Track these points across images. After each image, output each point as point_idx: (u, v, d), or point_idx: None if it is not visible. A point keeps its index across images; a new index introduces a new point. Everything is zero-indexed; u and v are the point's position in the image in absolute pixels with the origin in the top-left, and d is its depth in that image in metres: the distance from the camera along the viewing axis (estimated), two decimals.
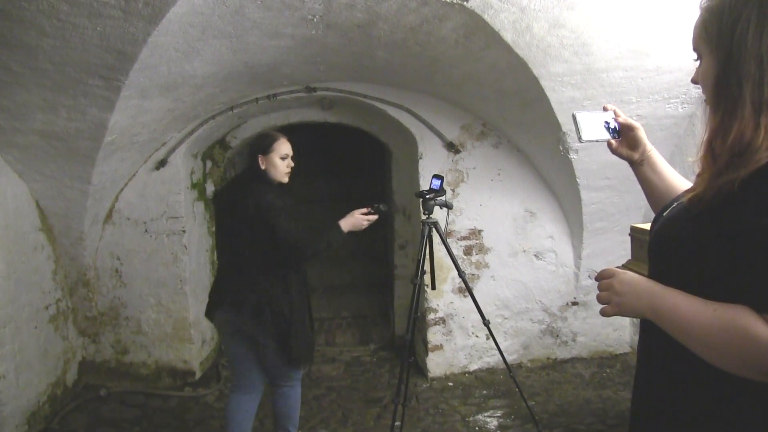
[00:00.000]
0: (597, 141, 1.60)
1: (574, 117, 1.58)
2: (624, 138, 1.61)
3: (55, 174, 3.76)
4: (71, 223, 4.09)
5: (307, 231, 3.01)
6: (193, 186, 4.74)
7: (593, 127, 1.59)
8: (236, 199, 3.04)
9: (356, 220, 3.10)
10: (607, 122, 1.61)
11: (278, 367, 3.11)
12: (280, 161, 3.08)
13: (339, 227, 3.04)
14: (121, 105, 3.23)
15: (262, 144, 3.10)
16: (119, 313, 4.56)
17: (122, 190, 4.43)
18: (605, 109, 1.63)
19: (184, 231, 4.50)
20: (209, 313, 3.21)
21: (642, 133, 1.60)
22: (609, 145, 1.63)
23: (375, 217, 3.14)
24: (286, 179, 3.13)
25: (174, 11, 2.50)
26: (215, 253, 5.21)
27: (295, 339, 3.02)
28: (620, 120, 1.61)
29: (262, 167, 3.06)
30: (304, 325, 3.13)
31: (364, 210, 3.13)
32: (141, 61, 2.84)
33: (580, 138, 1.57)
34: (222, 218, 3.29)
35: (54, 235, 4.14)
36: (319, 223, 3.08)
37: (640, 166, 1.62)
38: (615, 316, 1.32)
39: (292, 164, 3.14)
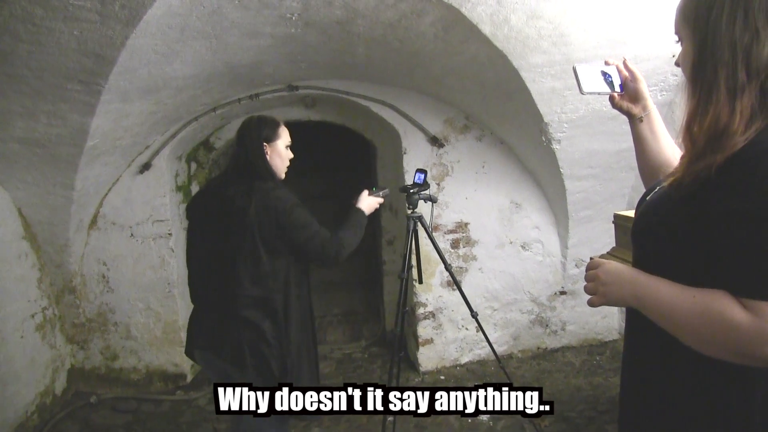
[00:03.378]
0: (599, 93, 1.59)
1: (574, 69, 1.56)
2: (626, 91, 1.60)
3: (38, 181, 3.73)
4: (55, 230, 4.07)
5: (345, 227, 2.63)
6: (178, 188, 4.72)
7: (594, 79, 1.57)
8: (230, 204, 2.41)
9: (370, 201, 2.81)
10: (609, 75, 1.59)
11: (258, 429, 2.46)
12: (286, 151, 2.59)
13: (363, 212, 2.73)
14: (102, 109, 3.21)
15: (267, 130, 2.53)
16: (107, 318, 4.53)
17: (106, 194, 4.40)
18: (607, 64, 1.60)
19: (170, 234, 4.48)
20: (189, 351, 2.63)
21: (644, 87, 1.58)
22: (611, 98, 1.61)
23: (381, 200, 2.88)
24: (283, 175, 2.63)
25: (151, 13, 2.48)
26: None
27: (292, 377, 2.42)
28: (628, 68, 1.59)
29: (268, 158, 2.52)
30: (301, 369, 2.48)
31: (369, 191, 2.86)
32: (120, 64, 2.83)
33: (581, 90, 1.55)
34: (201, 233, 2.61)
35: (38, 243, 4.11)
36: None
37: (639, 122, 1.60)
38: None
39: (291, 155, 2.64)
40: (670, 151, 1.56)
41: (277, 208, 2.36)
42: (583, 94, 1.57)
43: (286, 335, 2.40)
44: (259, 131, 2.51)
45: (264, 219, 2.35)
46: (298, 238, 2.40)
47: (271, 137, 2.52)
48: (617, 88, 1.59)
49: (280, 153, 2.55)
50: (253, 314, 2.38)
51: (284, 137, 2.58)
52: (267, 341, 2.37)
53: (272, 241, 2.38)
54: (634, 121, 1.62)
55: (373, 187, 2.91)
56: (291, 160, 2.65)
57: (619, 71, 1.60)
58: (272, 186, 2.44)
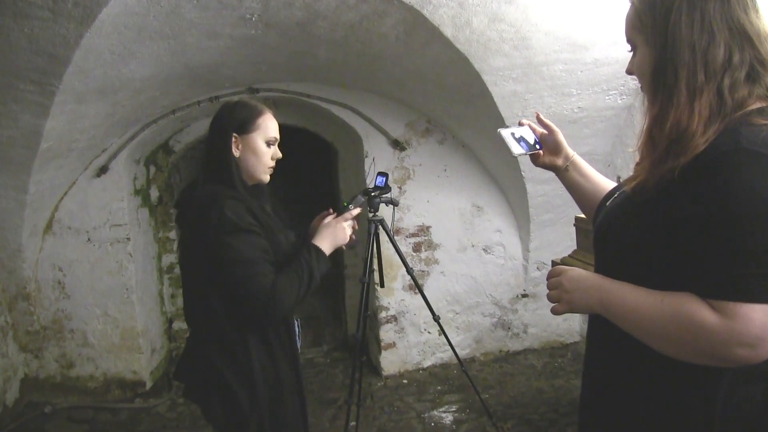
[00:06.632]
0: (526, 154, 1.63)
1: (500, 134, 1.61)
2: (545, 146, 1.65)
3: None
4: (7, 235, 3.94)
5: (285, 272, 1.86)
6: (137, 192, 4.63)
7: (518, 141, 1.62)
8: (179, 215, 2.07)
9: (336, 231, 2.03)
10: (525, 136, 1.64)
11: None
12: (265, 148, 1.97)
13: (322, 252, 1.97)
14: (56, 110, 3.12)
15: (240, 117, 1.94)
16: (63, 325, 4.41)
17: (62, 198, 4.28)
18: (521, 124, 1.66)
19: (128, 238, 4.39)
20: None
21: (561, 138, 1.63)
22: (533, 158, 1.66)
23: (352, 216, 2.11)
24: (266, 177, 2.02)
25: (106, 12, 2.43)
26: (161, 260, 5.12)
27: None
28: (542, 122, 1.65)
29: (236, 154, 1.93)
30: (284, 423, 1.96)
31: (331, 214, 2.09)
32: (75, 64, 2.75)
33: (511, 153, 1.61)
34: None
35: None
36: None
37: (565, 172, 1.64)
38: None
39: (280, 155, 2.03)
40: (606, 185, 1.59)
41: (212, 227, 1.77)
42: (514, 156, 1.64)
43: (252, 387, 1.88)
44: (231, 117, 1.95)
45: (191, 236, 1.89)
46: (225, 272, 1.79)
47: (246, 127, 1.93)
48: (537, 146, 1.64)
49: (255, 149, 1.94)
50: (213, 348, 1.90)
51: (265, 130, 1.96)
52: (233, 387, 1.86)
53: (207, 274, 1.84)
54: (561, 172, 1.66)
55: (343, 202, 2.18)
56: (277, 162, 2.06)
57: (533, 129, 1.65)
58: (220, 192, 1.84)
